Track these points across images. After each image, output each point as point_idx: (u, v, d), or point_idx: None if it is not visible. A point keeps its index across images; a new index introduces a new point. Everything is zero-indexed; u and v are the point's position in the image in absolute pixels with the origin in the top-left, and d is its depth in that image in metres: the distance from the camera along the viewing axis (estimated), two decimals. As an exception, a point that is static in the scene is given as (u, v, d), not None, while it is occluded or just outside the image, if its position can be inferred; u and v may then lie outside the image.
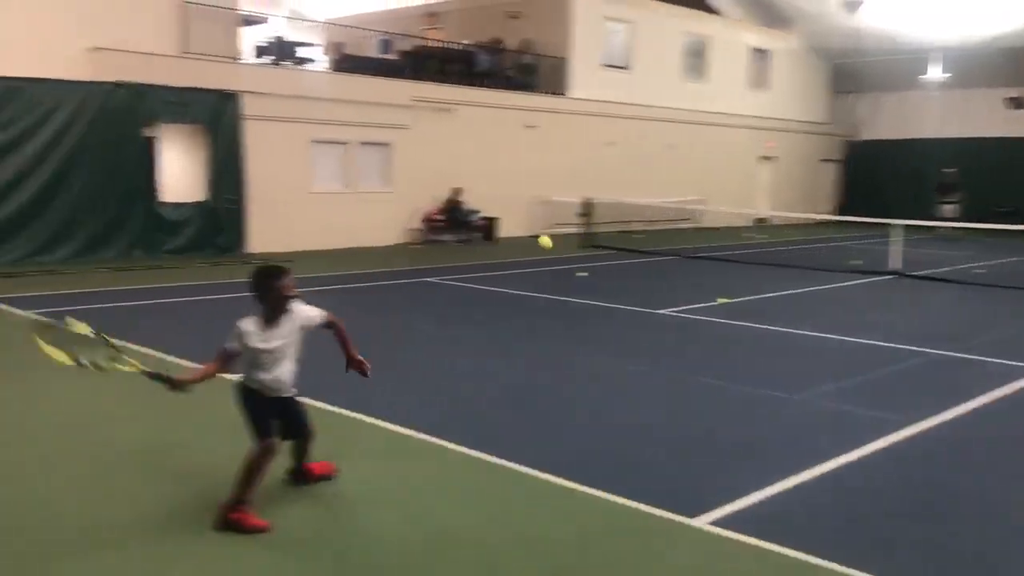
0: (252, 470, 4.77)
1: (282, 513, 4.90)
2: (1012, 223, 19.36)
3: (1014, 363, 9.12)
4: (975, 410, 7.40)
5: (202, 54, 17.44)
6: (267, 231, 17.89)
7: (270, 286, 4.76)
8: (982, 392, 7.88)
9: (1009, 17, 25.94)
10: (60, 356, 4.62)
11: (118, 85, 16.04)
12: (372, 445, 6.25)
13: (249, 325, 4.82)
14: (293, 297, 4.84)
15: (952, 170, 26.37)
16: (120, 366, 4.78)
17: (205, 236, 17.24)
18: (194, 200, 17.24)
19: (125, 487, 5.33)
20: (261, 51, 20.83)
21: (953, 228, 24.86)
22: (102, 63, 16.06)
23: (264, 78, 18.56)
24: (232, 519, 4.65)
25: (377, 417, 6.69)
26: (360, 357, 5.23)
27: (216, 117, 17.29)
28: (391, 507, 5.11)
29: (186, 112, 16.97)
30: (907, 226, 18.09)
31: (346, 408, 6.89)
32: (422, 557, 4.49)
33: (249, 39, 21.32)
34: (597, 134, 24.70)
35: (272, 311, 4.80)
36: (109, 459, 5.81)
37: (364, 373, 5.22)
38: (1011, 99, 28.63)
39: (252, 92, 17.80)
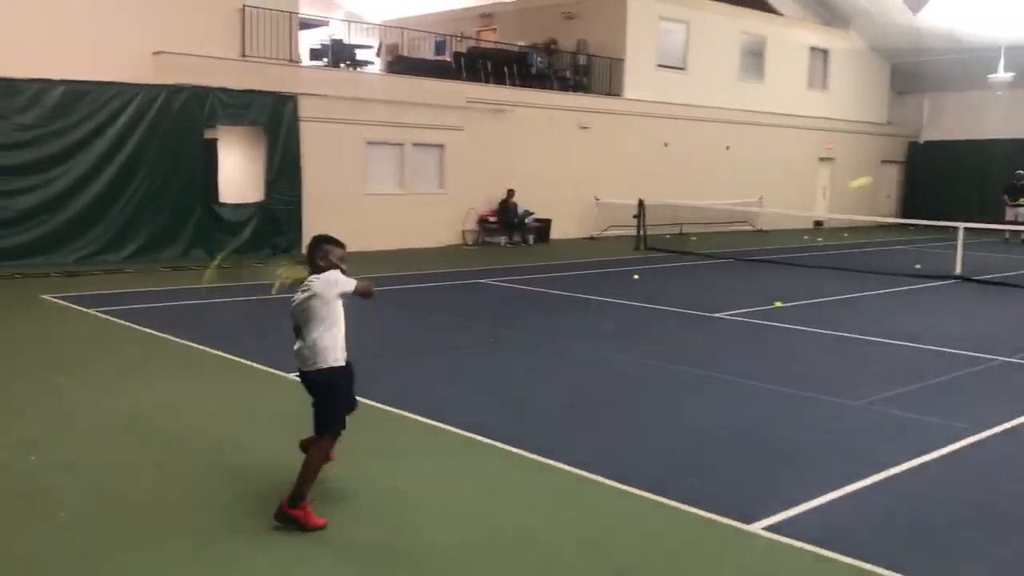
0: (319, 465, 4.79)
1: (337, 514, 4.94)
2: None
3: (1083, 371, 8.85)
4: (1042, 419, 7.19)
5: (261, 57, 17.73)
6: (323, 231, 18.00)
7: (329, 251, 4.95)
8: (1049, 400, 7.66)
9: (1080, 14, 25.14)
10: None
11: (180, 88, 16.38)
12: (426, 445, 6.28)
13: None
14: (343, 270, 4.95)
15: (1022, 172, 25.62)
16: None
17: (263, 236, 17.50)
18: (253, 201, 17.53)
19: (185, 485, 5.42)
20: (315, 54, 21.12)
21: (1020, 232, 24.16)
22: (164, 66, 16.41)
23: (321, 80, 18.80)
24: (294, 516, 4.64)
25: (431, 417, 6.71)
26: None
27: (274, 119, 17.56)
28: (447, 507, 5.13)
29: (245, 114, 17.27)
30: (972, 229, 17.63)
31: (399, 408, 6.93)
32: (480, 558, 4.50)
33: (307, 42, 21.60)
34: (652, 135, 24.52)
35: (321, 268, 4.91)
36: (169, 456, 5.92)
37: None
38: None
39: (309, 94, 18.05)
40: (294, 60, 18.82)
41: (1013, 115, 29.91)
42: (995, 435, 6.67)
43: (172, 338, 9.52)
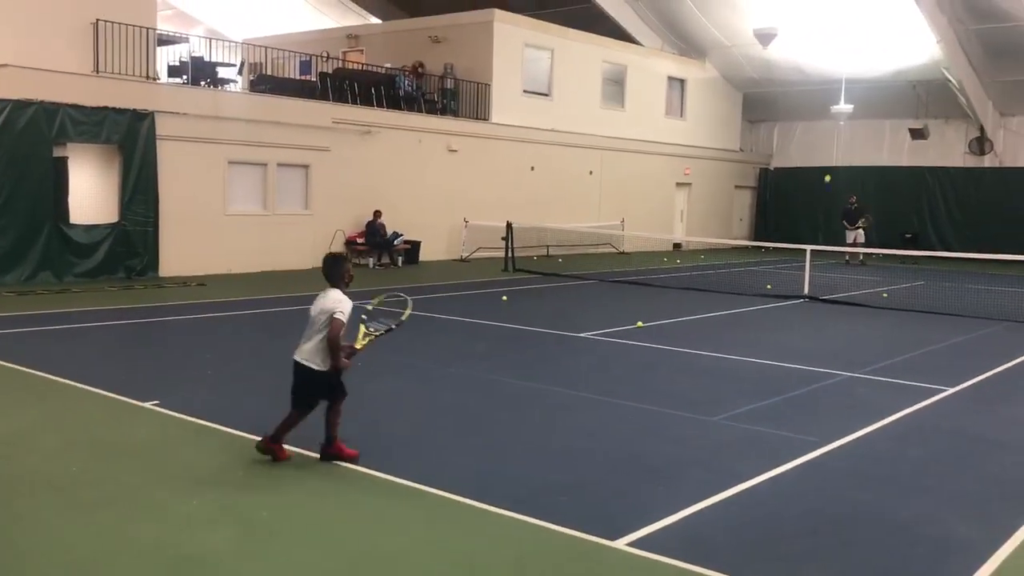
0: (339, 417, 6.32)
1: (199, 546, 4.77)
2: (914, 249, 20.13)
3: (917, 384, 9.47)
4: (881, 429, 7.66)
5: (116, 73, 17.04)
6: (181, 254, 17.50)
7: (347, 268, 6.47)
8: (889, 412, 8.16)
9: (911, 53, 27.14)
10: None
11: (27, 103, 15.53)
12: (291, 472, 6.14)
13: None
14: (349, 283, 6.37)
15: (853, 198, 27.36)
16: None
17: (117, 259, 16.76)
18: (106, 222, 16.78)
19: (23, 526, 5.13)
20: (174, 71, 20.45)
21: (859, 253, 25.77)
22: (10, 80, 15.52)
23: (180, 98, 18.20)
24: (334, 451, 6.22)
25: (295, 444, 6.56)
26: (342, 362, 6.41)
27: (130, 137, 16.86)
28: (314, 535, 5.03)
29: (98, 132, 16.52)
30: (818, 251, 18.61)
31: (260, 435, 6.74)
32: (342, 586, 4.43)
33: (166, 59, 20.91)
34: (519, 159, 24.89)
35: (345, 287, 6.35)
36: (8, 493, 5.59)
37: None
38: (913, 130, 29.91)
39: (167, 112, 17.45)
40: (151, 77, 18.17)
41: (853, 144, 32.07)
42: (842, 446, 7.06)
43: (15, 366, 8.98)
